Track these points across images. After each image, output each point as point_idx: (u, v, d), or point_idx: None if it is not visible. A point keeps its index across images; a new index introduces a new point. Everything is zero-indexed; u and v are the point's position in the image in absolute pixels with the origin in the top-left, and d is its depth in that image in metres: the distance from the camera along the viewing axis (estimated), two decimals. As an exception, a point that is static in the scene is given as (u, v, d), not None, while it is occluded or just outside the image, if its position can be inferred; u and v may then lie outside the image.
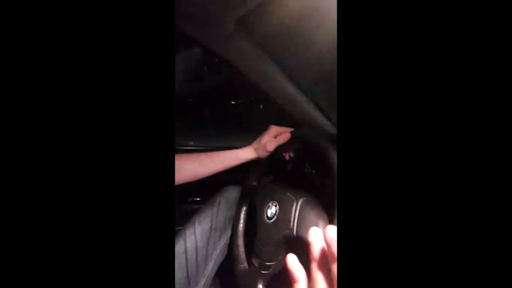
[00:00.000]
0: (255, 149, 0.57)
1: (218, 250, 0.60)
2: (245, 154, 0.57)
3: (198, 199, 0.80)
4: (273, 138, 0.56)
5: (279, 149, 0.55)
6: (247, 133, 0.65)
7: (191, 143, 0.81)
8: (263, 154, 0.56)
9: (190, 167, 0.56)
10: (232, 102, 0.90)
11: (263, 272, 0.46)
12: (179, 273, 0.53)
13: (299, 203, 0.43)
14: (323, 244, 0.21)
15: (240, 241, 0.53)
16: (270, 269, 0.45)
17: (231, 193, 0.64)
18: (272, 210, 0.46)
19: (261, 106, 0.94)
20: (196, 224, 0.58)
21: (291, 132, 0.55)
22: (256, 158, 0.57)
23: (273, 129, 0.56)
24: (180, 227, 0.60)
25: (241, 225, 0.55)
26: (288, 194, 0.46)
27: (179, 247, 0.56)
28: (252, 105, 0.90)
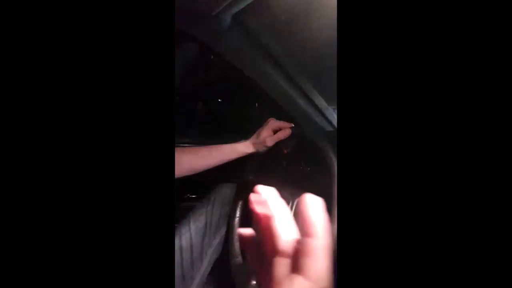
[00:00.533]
0: (254, 144, 0.56)
1: (213, 247, 0.59)
2: (243, 148, 0.57)
3: (193, 196, 0.80)
4: (272, 132, 0.55)
5: (277, 143, 0.55)
6: (242, 130, 0.65)
7: (186, 140, 0.80)
8: (262, 149, 0.56)
9: (189, 160, 0.55)
10: (219, 100, 0.89)
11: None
12: (174, 272, 0.53)
13: (295, 203, 0.43)
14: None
15: (235, 235, 0.53)
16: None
17: (226, 191, 0.64)
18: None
19: (257, 104, 0.94)
20: (191, 222, 0.58)
21: (290, 127, 0.54)
22: (254, 152, 0.57)
23: (272, 123, 0.56)
24: (175, 225, 0.60)
25: (236, 219, 0.55)
26: (284, 193, 0.46)
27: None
28: (243, 103, 0.90)
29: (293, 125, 0.55)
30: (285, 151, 0.61)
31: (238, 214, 0.56)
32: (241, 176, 0.60)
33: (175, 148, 0.58)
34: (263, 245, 0.20)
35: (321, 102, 0.61)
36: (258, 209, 0.19)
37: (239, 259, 0.51)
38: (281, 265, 0.18)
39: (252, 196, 0.20)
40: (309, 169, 0.60)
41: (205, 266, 0.58)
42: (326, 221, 0.17)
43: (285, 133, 0.55)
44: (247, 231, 0.23)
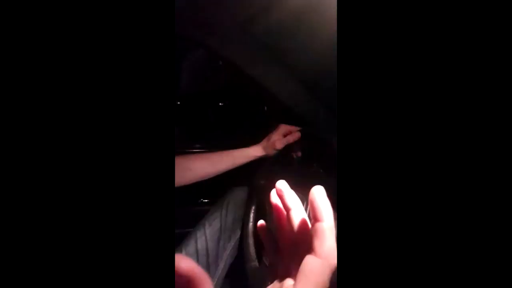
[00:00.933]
0: (264, 147, 0.58)
1: (228, 251, 0.60)
2: (254, 152, 0.58)
3: (206, 200, 0.81)
4: (282, 136, 0.56)
5: (288, 148, 0.56)
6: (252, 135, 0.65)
7: (197, 146, 0.81)
8: (272, 152, 0.57)
9: (201, 166, 0.57)
10: (220, 104, 0.90)
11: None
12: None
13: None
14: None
15: (251, 240, 0.54)
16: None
17: (239, 194, 0.65)
18: None
19: (266, 108, 0.94)
20: (206, 226, 0.59)
21: (299, 131, 0.55)
22: (265, 156, 0.58)
23: (283, 128, 0.57)
24: (190, 229, 0.61)
25: (251, 224, 0.56)
26: (298, 195, 0.46)
27: (190, 248, 0.56)
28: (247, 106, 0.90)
29: (302, 129, 0.56)
30: (295, 156, 0.61)
31: (251, 218, 0.56)
32: (253, 180, 0.60)
33: (187, 155, 0.59)
34: (279, 234, 0.23)
35: (332, 102, 0.61)
36: (277, 202, 0.24)
37: (255, 263, 0.51)
38: (295, 253, 0.20)
39: (273, 192, 0.24)
40: (321, 170, 0.60)
41: (221, 269, 0.58)
42: (331, 206, 0.20)
43: (294, 136, 0.55)
44: (263, 223, 0.27)
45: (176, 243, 0.59)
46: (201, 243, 0.57)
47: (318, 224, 0.19)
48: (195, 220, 0.62)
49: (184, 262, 0.15)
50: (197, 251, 0.56)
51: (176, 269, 0.15)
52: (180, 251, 0.56)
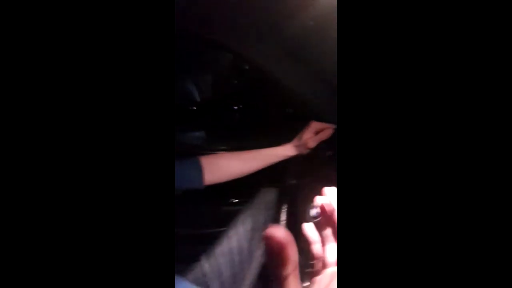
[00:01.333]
0: (296, 146, 0.57)
1: (261, 250, 0.61)
2: (285, 151, 0.57)
3: (236, 200, 0.82)
4: (314, 134, 0.55)
5: (319, 146, 0.55)
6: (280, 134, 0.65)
7: (223, 147, 0.83)
8: (304, 151, 0.56)
9: (232, 165, 0.57)
10: (235, 107, 0.90)
11: (306, 270, 0.46)
12: (226, 273, 0.55)
13: None
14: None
15: None
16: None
17: (269, 195, 0.66)
18: (317, 209, 0.47)
19: (286, 110, 0.94)
20: (239, 225, 0.60)
21: (332, 128, 0.54)
22: (297, 155, 0.57)
23: (314, 125, 0.56)
24: (223, 228, 0.62)
25: (282, 223, 0.56)
26: None
27: (223, 247, 0.58)
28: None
29: (335, 126, 0.55)
30: (327, 155, 0.61)
31: (283, 218, 0.57)
32: (284, 180, 0.60)
33: (217, 154, 0.60)
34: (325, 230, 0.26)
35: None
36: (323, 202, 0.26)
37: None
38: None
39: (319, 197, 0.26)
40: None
41: (254, 268, 0.59)
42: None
43: (327, 134, 0.54)
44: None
45: (208, 242, 0.61)
46: (234, 242, 0.58)
47: None
48: (225, 219, 0.64)
49: (278, 230, 0.18)
50: (230, 249, 0.57)
51: (271, 236, 0.18)
52: (214, 250, 0.58)
